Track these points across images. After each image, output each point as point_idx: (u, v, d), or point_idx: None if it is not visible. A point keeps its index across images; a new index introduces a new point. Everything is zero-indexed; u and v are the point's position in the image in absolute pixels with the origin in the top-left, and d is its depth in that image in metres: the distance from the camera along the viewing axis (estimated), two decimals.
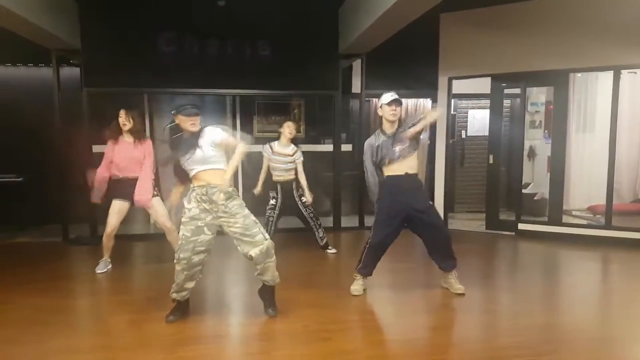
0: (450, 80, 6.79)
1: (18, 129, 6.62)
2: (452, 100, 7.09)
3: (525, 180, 6.89)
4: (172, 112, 3.39)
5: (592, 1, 5.88)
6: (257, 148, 5.92)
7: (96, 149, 6.24)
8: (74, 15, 5.91)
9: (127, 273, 4.90)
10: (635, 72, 6.85)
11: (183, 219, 3.35)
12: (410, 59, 6.69)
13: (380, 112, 3.99)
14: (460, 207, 8.02)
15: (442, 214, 6.97)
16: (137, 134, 4.69)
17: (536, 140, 7.60)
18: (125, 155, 4.63)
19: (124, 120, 4.64)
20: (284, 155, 5.25)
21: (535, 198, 7.18)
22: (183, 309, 3.52)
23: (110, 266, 4.82)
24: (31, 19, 4.75)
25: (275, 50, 6.37)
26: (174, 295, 3.45)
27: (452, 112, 7.24)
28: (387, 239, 3.96)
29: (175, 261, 3.37)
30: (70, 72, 6.42)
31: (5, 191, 6.59)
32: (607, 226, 6.02)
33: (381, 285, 4.25)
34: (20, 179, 6.65)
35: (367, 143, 4.04)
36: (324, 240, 5.51)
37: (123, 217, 4.75)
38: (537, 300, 4.07)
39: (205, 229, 3.33)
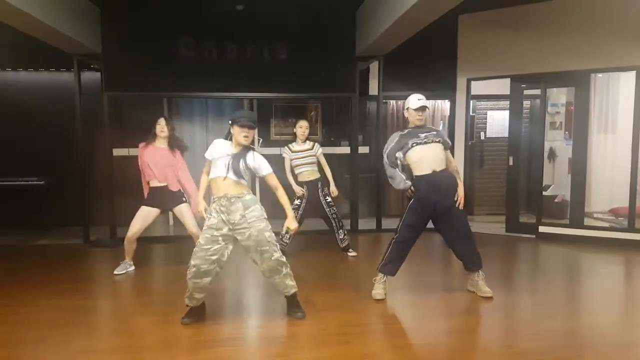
0: (468, 81, 6.75)
1: (40, 132, 6.75)
2: (471, 102, 7.05)
3: (545, 182, 6.81)
4: (229, 121, 3.39)
5: (614, 0, 5.79)
6: (275, 151, 5.96)
7: (117, 152, 6.34)
8: (95, 21, 6.00)
9: (147, 275, 4.95)
10: None
11: (203, 228, 3.39)
12: (428, 61, 6.65)
13: (406, 114, 4.04)
14: (480, 209, 7.94)
15: None
16: (174, 143, 4.81)
17: (557, 141, 7.50)
18: (158, 160, 4.72)
19: (162, 127, 4.74)
20: (304, 150, 5.32)
21: (556, 200, 7.08)
22: (199, 312, 3.54)
23: (131, 268, 4.90)
24: (54, 25, 4.84)
25: (292, 53, 6.39)
26: (186, 301, 3.48)
27: (470, 113, 7.19)
28: (414, 237, 3.94)
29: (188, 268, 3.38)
30: (91, 77, 6.54)
31: (28, 194, 6.72)
32: (630, 229, 5.92)
33: (400, 288, 4.21)
34: (42, 182, 6.77)
35: (391, 138, 4.04)
36: (345, 243, 5.46)
37: (148, 224, 4.82)
38: (559, 304, 4.01)
39: (220, 239, 3.33)
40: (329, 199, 5.35)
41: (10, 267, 5.21)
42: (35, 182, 6.74)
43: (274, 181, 3.46)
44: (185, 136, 7.22)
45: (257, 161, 3.41)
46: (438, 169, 3.87)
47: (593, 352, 3.05)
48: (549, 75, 6.22)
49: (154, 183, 4.75)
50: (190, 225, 4.78)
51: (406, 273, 4.27)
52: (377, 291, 3.98)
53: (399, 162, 3.96)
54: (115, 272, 4.78)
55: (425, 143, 3.89)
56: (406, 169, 4.00)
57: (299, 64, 6.40)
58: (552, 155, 7.48)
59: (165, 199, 4.76)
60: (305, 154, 5.31)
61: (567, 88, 7.03)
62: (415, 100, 3.95)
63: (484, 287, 4.00)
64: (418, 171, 3.90)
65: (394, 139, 4.00)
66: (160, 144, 4.77)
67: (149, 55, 6.18)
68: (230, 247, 3.39)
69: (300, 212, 5.27)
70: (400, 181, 3.94)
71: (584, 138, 6.22)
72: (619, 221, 6.47)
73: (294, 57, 6.40)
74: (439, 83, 6.90)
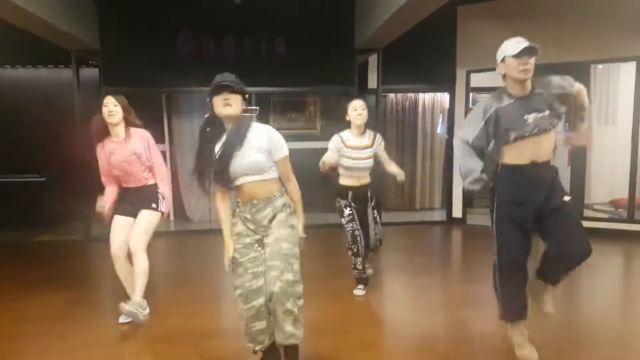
0: (468, 73, 6.74)
1: (39, 129, 6.74)
2: (470, 94, 7.02)
3: None
4: (207, 98, 2.58)
5: None
6: None
7: None
8: (93, 17, 5.99)
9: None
10: None
11: (233, 237, 2.60)
12: (427, 53, 6.64)
13: (501, 70, 2.75)
14: (480, 202, 7.92)
15: (460, 210, 6.96)
16: (133, 123, 3.58)
17: (557, 133, 7.49)
18: (119, 159, 3.48)
19: (110, 109, 3.44)
20: (363, 147, 3.82)
21: None
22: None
23: (146, 311, 3.46)
24: (52, 21, 4.82)
25: (291, 47, 6.38)
26: (250, 346, 2.61)
27: (470, 105, 7.17)
28: (519, 254, 2.74)
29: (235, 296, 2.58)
30: (90, 73, 6.53)
31: (28, 190, 6.73)
32: (629, 220, 5.92)
33: (399, 280, 4.24)
34: (42, 179, 6.77)
35: (482, 105, 2.76)
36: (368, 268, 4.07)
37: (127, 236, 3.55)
38: (558, 296, 3.98)
39: (256, 245, 2.58)
40: (377, 214, 4.00)
41: (12, 262, 5.23)
42: (35, 179, 6.75)
43: (287, 167, 2.59)
44: (183, 132, 7.25)
45: (273, 138, 2.53)
46: (540, 160, 2.68)
47: (592, 343, 3.07)
48: (548, 66, 6.14)
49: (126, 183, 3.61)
50: (135, 235, 3.48)
51: (407, 266, 4.29)
52: (522, 352, 2.78)
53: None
54: (121, 321, 3.48)
55: (536, 134, 2.65)
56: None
57: (297, 58, 6.38)
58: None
59: (136, 201, 3.56)
60: (364, 153, 3.82)
61: None
62: (514, 42, 2.70)
63: (547, 304, 2.86)
64: (509, 158, 2.71)
65: (485, 113, 2.70)
66: (116, 133, 3.50)
67: (147, 50, 6.16)
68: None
69: (357, 221, 3.81)
70: (475, 175, 2.70)
71: None
72: (619, 212, 6.48)
73: (292, 50, 6.39)
74: (438, 76, 6.88)
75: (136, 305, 3.31)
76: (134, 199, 3.55)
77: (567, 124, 7.36)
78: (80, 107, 6.16)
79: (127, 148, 3.47)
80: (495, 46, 2.74)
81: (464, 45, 6.65)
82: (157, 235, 6.11)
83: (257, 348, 2.59)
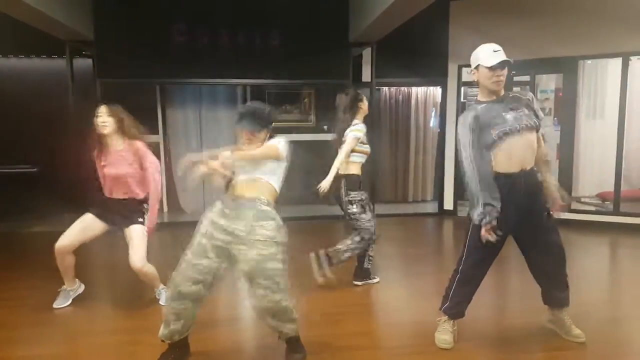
0: (460, 67, 6.81)
1: (32, 120, 6.72)
2: (462, 88, 7.11)
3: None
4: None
5: None
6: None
7: None
8: (87, 7, 5.97)
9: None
10: None
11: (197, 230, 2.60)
12: (420, 47, 6.70)
13: (474, 77, 2.75)
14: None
15: (452, 202, 7.06)
16: (129, 134, 3.45)
17: (545, 127, 7.57)
18: (112, 170, 3.44)
19: (103, 119, 3.39)
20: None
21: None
22: (178, 354, 2.68)
23: (80, 290, 3.77)
24: (45, 10, 4.81)
25: (285, 40, 6.41)
26: (160, 333, 2.63)
27: (462, 100, 7.26)
28: (483, 266, 2.88)
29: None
30: (83, 64, 6.51)
31: (21, 181, 6.71)
32: (615, 212, 6.05)
33: (392, 270, 4.32)
34: (34, 170, 6.76)
35: (461, 120, 2.78)
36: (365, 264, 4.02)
37: (88, 239, 3.57)
38: None
39: (211, 252, 2.50)
40: (351, 209, 3.90)
41: (8, 253, 5.26)
42: (28, 170, 6.74)
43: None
44: (178, 124, 7.27)
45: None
46: (528, 167, 2.72)
47: (579, 327, 3.16)
48: (538, 61, 6.30)
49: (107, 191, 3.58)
50: (137, 254, 3.39)
51: (397, 256, 4.36)
52: (444, 336, 2.93)
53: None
54: (55, 306, 3.60)
55: (518, 131, 2.64)
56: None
57: (292, 50, 6.40)
58: None
59: (118, 212, 3.51)
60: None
61: (556, 74, 7.12)
62: (489, 52, 2.64)
63: (573, 329, 3.02)
64: (499, 167, 2.69)
65: (462, 130, 2.71)
66: (113, 143, 3.44)
67: (141, 41, 6.16)
68: (225, 265, 2.55)
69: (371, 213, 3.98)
70: (477, 193, 2.63)
71: (572, 124, 6.34)
72: (606, 205, 6.61)
73: (287, 43, 6.41)
74: (430, 69, 6.96)
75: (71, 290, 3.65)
76: (116, 210, 3.50)
77: (555, 118, 7.49)
78: (74, 98, 6.16)
79: (122, 161, 3.42)
80: (486, 41, 2.80)
81: (456, 39, 6.72)
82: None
83: (164, 338, 2.63)
